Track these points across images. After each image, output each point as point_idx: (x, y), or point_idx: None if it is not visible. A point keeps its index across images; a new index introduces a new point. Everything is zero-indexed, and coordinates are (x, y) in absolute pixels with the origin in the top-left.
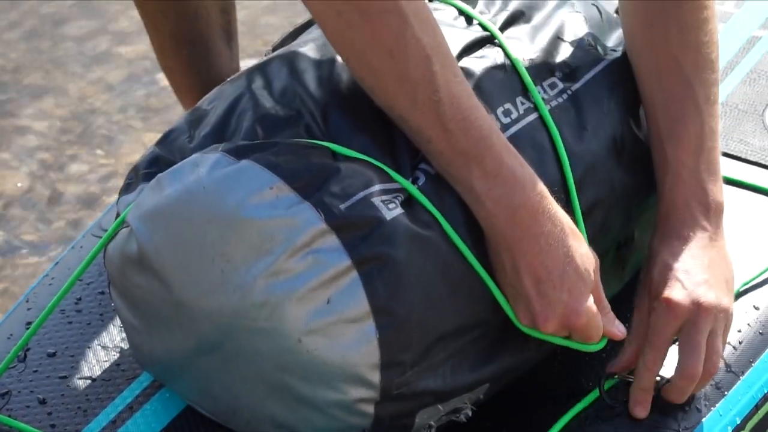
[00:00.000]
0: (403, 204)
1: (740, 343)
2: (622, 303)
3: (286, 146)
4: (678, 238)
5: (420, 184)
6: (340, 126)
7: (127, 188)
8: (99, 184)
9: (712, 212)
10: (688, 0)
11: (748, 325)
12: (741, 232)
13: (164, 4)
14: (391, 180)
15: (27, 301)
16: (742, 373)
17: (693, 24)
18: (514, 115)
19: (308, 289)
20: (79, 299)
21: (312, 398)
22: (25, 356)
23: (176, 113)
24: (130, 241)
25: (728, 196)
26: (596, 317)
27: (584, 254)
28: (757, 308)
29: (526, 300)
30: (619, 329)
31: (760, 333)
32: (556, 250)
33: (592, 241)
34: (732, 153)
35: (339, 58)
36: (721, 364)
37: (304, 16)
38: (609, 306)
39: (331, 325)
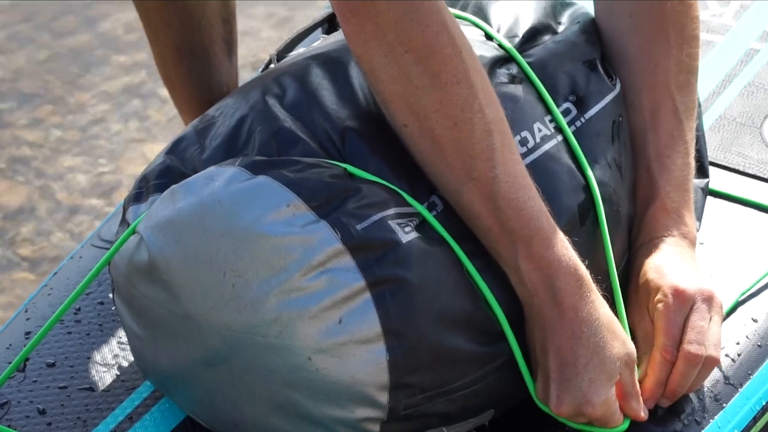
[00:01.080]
0: (418, 228)
1: (739, 355)
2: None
3: (304, 164)
4: (670, 253)
5: (438, 210)
6: (356, 147)
7: (137, 198)
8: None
9: (690, 242)
10: (686, 47)
11: (747, 337)
12: (737, 245)
13: (169, 15)
14: (407, 204)
15: (26, 311)
16: (741, 386)
17: (690, 68)
18: (531, 144)
19: (321, 308)
20: (79, 309)
21: (318, 416)
22: (25, 366)
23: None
24: (140, 250)
25: (726, 209)
26: (613, 409)
27: (617, 347)
28: (755, 321)
29: (547, 379)
30: (645, 412)
31: (758, 345)
32: (587, 338)
33: None
34: (730, 166)
35: (354, 78)
36: (720, 377)
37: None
38: (639, 392)
39: (342, 345)
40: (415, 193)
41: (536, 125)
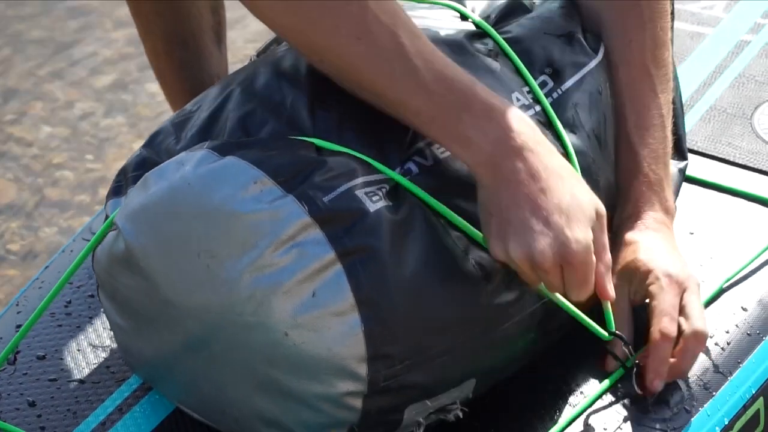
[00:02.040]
0: (388, 196)
1: (728, 344)
2: None
3: (271, 142)
4: (652, 230)
5: (413, 175)
6: (326, 121)
7: (116, 191)
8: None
9: (670, 216)
10: (659, 21)
11: (736, 326)
12: (727, 235)
13: (159, 5)
14: (376, 172)
15: (17, 305)
16: (730, 374)
17: (664, 42)
18: None
19: (293, 282)
20: (69, 302)
21: (300, 392)
22: (15, 359)
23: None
24: (118, 241)
25: (716, 199)
26: (591, 257)
27: (588, 194)
28: (745, 309)
29: (523, 229)
30: (610, 291)
31: (747, 334)
32: (556, 180)
33: None
34: (721, 156)
35: None
36: (710, 365)
37: None
38: (611, 264)
39: (317, 318)
40: (387, 161)
41: (514, 95)
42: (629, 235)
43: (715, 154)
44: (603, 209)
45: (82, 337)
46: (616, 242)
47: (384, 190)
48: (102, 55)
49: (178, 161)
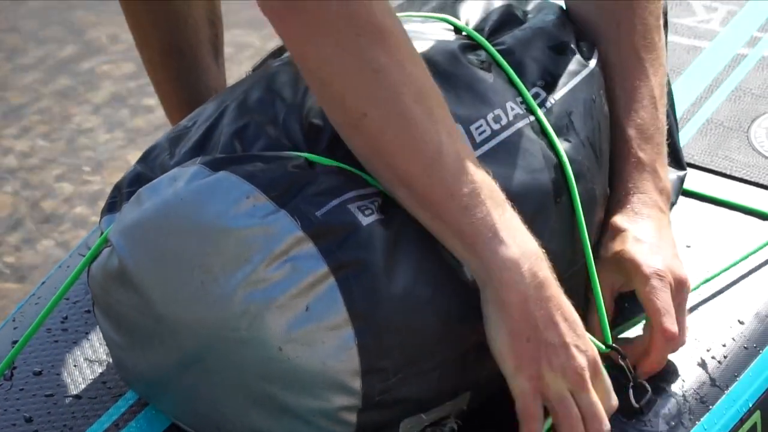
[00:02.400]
0: (380, 209)
1: (725, 357)
2: None
3: (264, 157)
4: (643, 217)
5: None
6: (318, 136)
7: (110, 207)
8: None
9: (665, 198)
10: (648, 4)
11: (733, 339)
12: (723, 248)
13: (155, 15)
14: (368, 186)
15: (13, 320)
16: (727, 387)
17: (655, 26)
18: (504, 122)
19: (287, 297)
20: (66, 318)
21: (295, 407)
22: (12, 375)
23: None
24: (111, 257)
25: (712, 212)
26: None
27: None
28: (741, 323)
29: (555, 349)
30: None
31: (744, 347)
32: (556, 325)
33: None
34: (717, 169)
35: None
36: (706, 379)
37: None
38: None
39: (311, 333)
40: None
41: (509, 104)
42: (619, 222)
43: (712, 168)
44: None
45: (79, 353)
46: (607, 223)
47: (376, 203)
48: (100, 70)
49: (171, 177)
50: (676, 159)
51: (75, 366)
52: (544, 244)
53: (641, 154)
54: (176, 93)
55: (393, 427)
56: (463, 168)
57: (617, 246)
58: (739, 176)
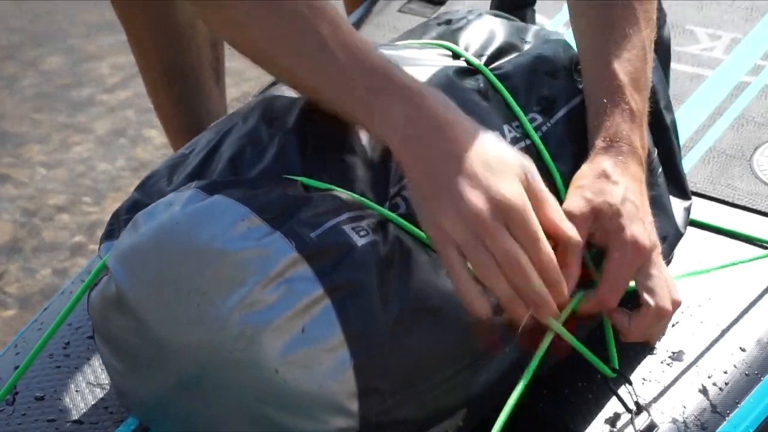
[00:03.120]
0: (375, 231)
1: (726, 384)
2: None
3: (259, 181)
4: (630, 172)
5: (401, 212)
6: (314, 160)
7: (109, 234)
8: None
9: (646, 154)
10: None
11: (734, 366)
12: (726, 277)
13: (158, 35)
14: (363, 208)
15: (15, 346)
16: (728, 414)
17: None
18: None
19: (283, 319)
20: (68, 344)
21: (293, 430)
22: (14, 400)
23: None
24: (110, 283)
25: (715, 241)
26: (527, 205)
27: (509, 150)
28: (743, 350)
29: (452, 195)
30: (569, 230)
31: (746, 374)
32: (476, 144)
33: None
34: (720, 197)
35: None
36: (707, 405)
37: None
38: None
39: (307, 355)
40: (375, 198)
41: (505, 127)
42: (610, 170)
43: (715, 196)
44: (530, 165)
45: (81, 378)
46: (586, 165)
47: (371, 225)
48: (100, 99)
49: (167, 202)
50: (680, 188)
51: (77, 391)
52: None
53: (633, 104)
54: (177, 116)
55: None
56: (349, 56)
57: (608, 197)
58: (742, 204)
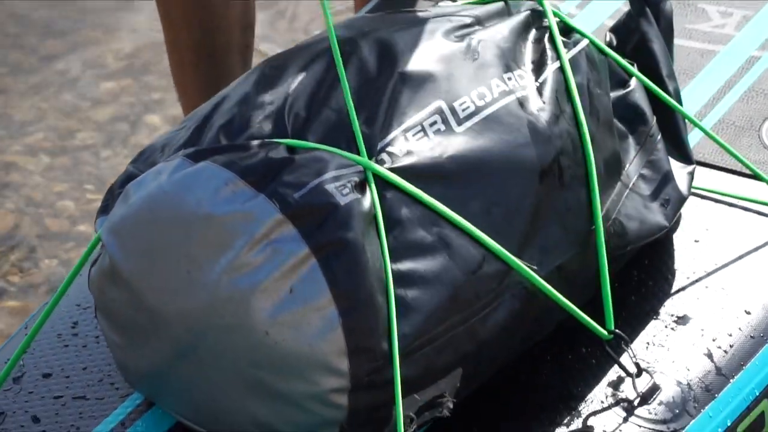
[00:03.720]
0: (357, 188)
1: (731, 346)
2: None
3: (245, 146)
4: None
5: (386, 165)
6: (299, 122)
7: (103, 209)
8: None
9: None
10: None
11: (739, 329)
12: (735, 245)
13: (190, 12)
14: (346, 166)
15: (26, 328)
16: (733, 376)
17: None
18: (488, 98)
19: (270, 280)
20: (76, 323)
21: (287, 392)
22: (21, 377)
23: None
24: (104, 257)
25: (724, 210)
26: None
27: None
28: (748, 312)
29: None
30: None
31: (751, 337)
32: None
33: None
34: (728, 167)
35: (312, 61)
36: (712, 368)
37: None
38: None
39: (296, 315)
40: (360, 153)
41: (494, 81)
42: None
43: (723, 165)
44: None
45: (88, 356)
46: None
47: (353, 183)
48: (103, 87)
49: (156, 171)
50: (683, 153)
51: (84, 369)
52: (534, 222)
53: None
54: (201, 98)
55: (387, 408)
56: None
57: None
58: (750, 174)
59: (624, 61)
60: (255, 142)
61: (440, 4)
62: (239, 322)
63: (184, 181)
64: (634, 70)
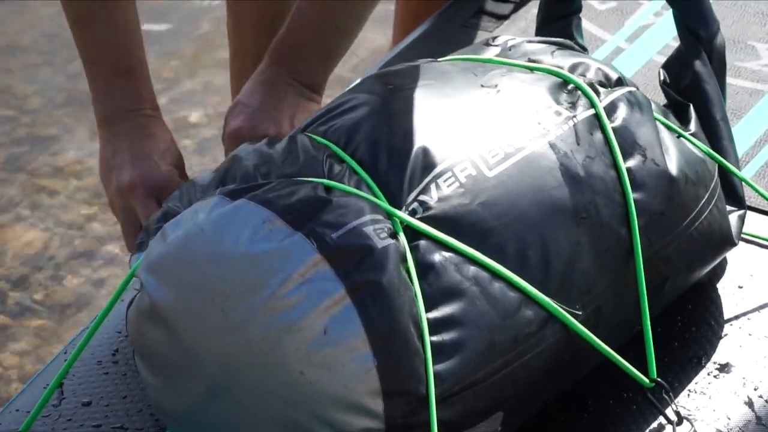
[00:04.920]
0: (394, 234)
1: None
2: None
3: (280, 184)
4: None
5: (418, 216)
6: (334, 166)
7: (139, 246)
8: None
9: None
10: None
11: None
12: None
13: (261, 17)
14: (382, 212)
15: (65, 353)
16: None
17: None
18: (519, 142)
19: (305, 320)
20: (116, 351)
21: None
22: (59, 404)
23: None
24: (143, 296)
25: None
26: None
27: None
28: None
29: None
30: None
31: None
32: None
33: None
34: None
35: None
36: (752, 417)
37: None
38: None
39: (330, 355)
40: (394, 202)
41: (524, 125)
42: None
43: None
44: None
45: (128, 385)
46: None
47: (390, 228)
48: None
49: (193, 210)
50: (735, 198)
51: (124, 398)
52: (572, 263)
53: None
54: None
55: None
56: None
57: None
58: None
59: (670, 120)
60: (292, 181)
61: (493, 42)
62: (274, 361)
63: (221, 220)
64: (684, 132)
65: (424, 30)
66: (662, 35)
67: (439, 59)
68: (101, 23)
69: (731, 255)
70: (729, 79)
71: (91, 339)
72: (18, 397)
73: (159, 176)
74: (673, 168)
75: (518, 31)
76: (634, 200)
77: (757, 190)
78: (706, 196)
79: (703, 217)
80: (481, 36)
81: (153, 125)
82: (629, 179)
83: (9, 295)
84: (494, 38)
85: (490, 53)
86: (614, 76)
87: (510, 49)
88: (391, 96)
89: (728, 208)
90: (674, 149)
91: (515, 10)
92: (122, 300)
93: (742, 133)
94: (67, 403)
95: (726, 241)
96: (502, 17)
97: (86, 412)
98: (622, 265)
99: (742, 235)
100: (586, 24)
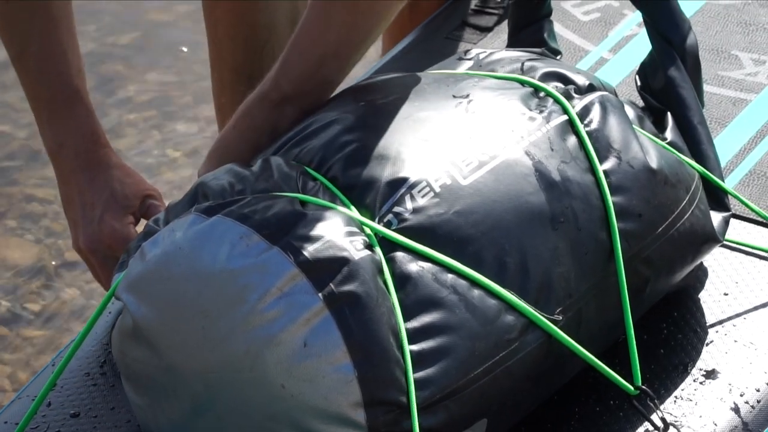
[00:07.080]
0: (370, 245)
1: (758, 402)
2: None
3: (255, 199)
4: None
5: (394, 227)
6: (312, 180)
7: (121, 266)
8: None
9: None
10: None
11: (767, 384)
12: (763, 298)
13: (235, 30)
14: (357, 224)
15: (53, 365)
16: None
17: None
18: (493, 150)
19: (284, 333)
20: (104, 362)
21: None
22: (48, 415)
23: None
24: (125, 316)
25: (752, 261)
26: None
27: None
28: None
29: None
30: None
31: None
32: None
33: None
34: (759, 219)
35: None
36: (739, 423)
37: None
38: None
39: (311, 368)
40: (370, 214)
41: (498, 132)
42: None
43: (754, 218)
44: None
45: (116, 396)
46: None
47: (366, 240)
48: (126, 120)
49: (170, 228)
50: (718, 201)
51: (112, 409)
52: (551, 268)
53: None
54: None
55: None
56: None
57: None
58: None
59: (645, 126)
60: (267, 196)
61: (465, 55)
62: (255, 376)
63: (198, 237)
64: (660, 141)
65: (409, 42)
66: (646, 45)
67: (414, 73)
68: (34, 58)
69: (716, 262)
70: (713, 89)
71: (77, 351)
72: (6, 408)
73: (108, 236)
74: (650, 170)
75: (501, 43)
76: (612, 203)
77: (739, 199)
78: (687, 198)
79: (684, 218)
80: (465, 48)
81: (96, 165)
82: (606, 182)
83: (1, 304)
84: (466, 52)
85: (464, 67)
86: (586, 81)
87: (482, 62)
88: (362, 111)
89: (713, 212)
90: (652, 151)
91: (498, 22)
92: (110, 312)
93: (726, 143)
94: (56, 414)
95: (709, 239)
96: (485, 29)
97: (75, 423)
98: (603, 268)
99: (727, 242)
100: (569, 35)
